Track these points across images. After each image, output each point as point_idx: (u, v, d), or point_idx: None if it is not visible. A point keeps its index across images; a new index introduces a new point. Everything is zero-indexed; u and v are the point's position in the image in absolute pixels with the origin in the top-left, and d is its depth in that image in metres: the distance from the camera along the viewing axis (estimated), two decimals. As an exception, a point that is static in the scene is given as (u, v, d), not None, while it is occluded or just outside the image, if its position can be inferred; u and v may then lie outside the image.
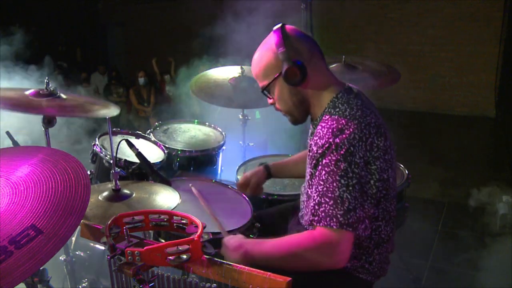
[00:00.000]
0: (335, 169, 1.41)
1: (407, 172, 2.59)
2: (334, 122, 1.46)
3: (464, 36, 6.88)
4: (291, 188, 2.43)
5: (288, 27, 1.59)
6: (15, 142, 2.19)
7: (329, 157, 1.42)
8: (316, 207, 1.44)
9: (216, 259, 1.28)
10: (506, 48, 6.39)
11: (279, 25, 1.58)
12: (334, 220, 1.40)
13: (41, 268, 1.44)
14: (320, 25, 3.60)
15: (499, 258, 3.30)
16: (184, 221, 1.38)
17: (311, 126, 1.66)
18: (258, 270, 1.21)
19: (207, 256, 1.28)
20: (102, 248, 1.85)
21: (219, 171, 2.81)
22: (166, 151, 2.54)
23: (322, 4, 3.63)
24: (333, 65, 2.85)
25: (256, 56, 1.62)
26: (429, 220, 3.78)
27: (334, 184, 1.41)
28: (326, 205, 1.42)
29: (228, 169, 2.91)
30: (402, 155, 3.05)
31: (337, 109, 1.51)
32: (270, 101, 1.66)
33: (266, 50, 1.58)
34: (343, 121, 1.45)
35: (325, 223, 1.42)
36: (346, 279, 1.60)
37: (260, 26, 3.61)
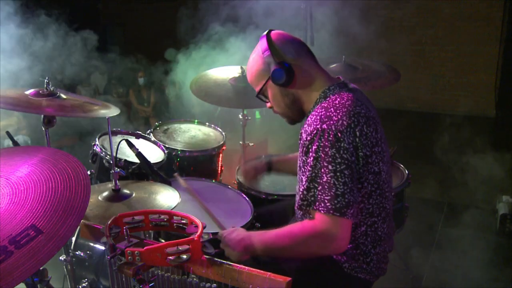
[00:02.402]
0: (323, 155, 1.43)
1: (407, 172, 2.59)
2: (323, 110, 1.49)
3: (464, 36, 6.88)
4: (291, 188, 2.42)
5: (274, 32, 1.65)
6: (15, 142, 2.19)
7: (317, 143, 1.44)
8: (305, 192, 1.47)
9: (216, 259, 1.28)
10: (506, 48, 6.38)
11: (266, 31, 1.64)
12: (322, 205, 1.43)
13: (41, 268, 1.43)
14: (320, 25, 3.61)
15: (499, 258, 3.31)
16: (184, 221, 1.38)
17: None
18: (258, 270, 1.22)
19: (207, 256, 1.28)
20: (102, 248, 1.85)
21: (219, 171, 2.81)
22: (166, 151, 2.54)
23: (321, 4, 3.63)
24: (333, 65, 2.85)
25: (248, 63, 1.69)
26: (429, 220, 3.78)
27: (322, 170, 1.43)
28: (315, 190, 1.44)
29: (228, 169, 2.91)
30: (402, 155, 3.06)
31: (328, 99, 1.54)
32: (268, 104, 1.72)
33: (256, 56, 1.65)
34: (332, 109, 1.49)
35: (314, 207, 1.45)
36: (345, 278, 1.61)
37: (260, 26, 3.61)
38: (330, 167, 1.42)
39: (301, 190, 1.50)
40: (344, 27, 3.99)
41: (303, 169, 1.51)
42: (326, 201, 1.42)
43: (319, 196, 1.43)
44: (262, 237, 1.54)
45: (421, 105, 7.33)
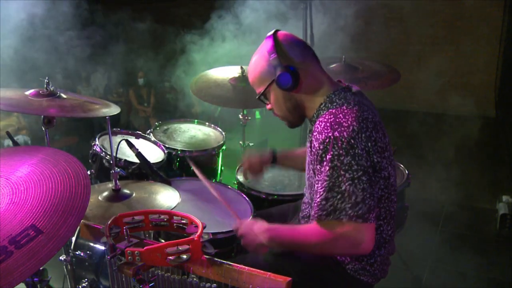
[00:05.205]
0: (339, 164, 1.41)
1: (407, 172, 2.59)
2: (332, 116, 1.47)
3: (464, 36, 6.87)
4: (291, 188, 2.43)
5: (281, 33, 1.61)
6: (15, 142, 2.19)
7: (332, 152, 1.42)
8: (324, 202, 1.44)
9: (216, 259, 1.28)
10: (506, 48, 6.38)
11: (272, 31, 1.60)
12: (344, 213, 1.41)
13: (41, 268, 1.43)
14: (320, 25, 3.61)
15: (499, 258, 3.31)
16: (184, 221, 1.38)
17: (309, 124, 1.67)
18: (258, 270, 1.21)
19: (207, 256, 1.28)
20: (102, 248, 1.85)
21: (219, 171, 2.81)
22: (166, 151, 2.54)
23: (321, 4, 3.63)
24: (333, 65, 2.85)
25: (251, 63, 1.65)
26: (429, 220, 3.78)
27: (340, 179, 1.41)
28: (334, 199, 1.43)
29: (228, 169, 2.92)
30: (402, 155, 3.06)
31: (334, 104, 1.52)
32: (268, 106, 1.69)
33: (260, 57, 1.60)
34: (341, 114, 1.47)
35: (335, 216, 1.43)
36: (347, 281, 1.60)
37: (260, 26, 3.61)
38: (347, 175, 1.40)
39: (318, 200, 1.47)
40: (344, 27, 3.99)
41: (317, 178, 1.49)
42: (347, 208, 1.41)
43: (339, 205, 1.42)
44: (289, 232, 1.54)
45: (421, 105, 7.33)
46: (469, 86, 6.98)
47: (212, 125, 3.01)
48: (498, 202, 3.85)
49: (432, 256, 3.33)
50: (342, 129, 1.43)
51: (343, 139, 1.41)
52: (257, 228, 1.55)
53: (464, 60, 7.01)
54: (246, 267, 1.24)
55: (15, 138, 2.26)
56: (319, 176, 1.47)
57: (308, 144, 1.61)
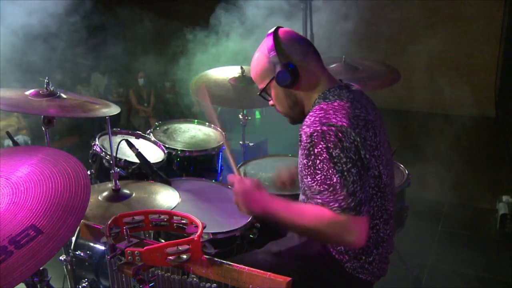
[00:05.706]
0: (328, 157, 1.41)
1: (407, 172, 2.59)
2: (322, 111, 1.48)
3: (464, 36, 6.88)
4: (291, 188, 2.42)
5: (282, 30, 1.62)
6: (15, 142, 2.19)
7: (320, 146, 1.43)
8: (316, 195, 1.45)
9: (216, 259, 1.28)
10: (506, 48, 6.39)
11: (273, 28, 1.62)
12: (336, 205, 1.41)
13: (41, 268, 1.44)
14: (320, 25, 3.61)
15: (499, 258, 3.31)
16: (184, 221, 1.38)
17: None
18: (258, 270, 1.22)
19: (207, 256, 1.28)
20: (102, 248, 1.85)
21: (219, 171, 2.81)
22: (166, 151, 2.54)
23: (321, 4, 3.63)
24: (333, 65, 2.85)
25: (253, 60, 1.67)
26: (429, 220, 3.78)
27: (330, 171, 1.42)
28: (325, 192, 1.43)
29: (228, 169, 2.91)
30: (402, 155, 3.06)
31: (327, 100, 1.53)
32: (270, 102, 1.71)
33: (261, 55, 1.63)
34: (331, 111, 1.47)
35: (328, 207, 1.43)
36: (346, 279, 1.60)
37: (260, 26, 3.61)
38: (337, 168, 1.41)
39: (309, 195, 1.48)
40: (344, 27, 3.99)
41: (306, 172, 1.49)
42: (340, 201, 1.41)
43: (331, 197, 1.42)
44: (284, 208, 1.51)
45: (421, 105, 7.33)
46: (469, 86, 6.98)
47: (212, 125, 3.01)
48: (498, 202, 3.85)
49: (432, 256, 3.33)
50: (330, 123, 1.43)
51: (330, 133, 1.42)
52: (254, 195, 1.55)
53: (464, 60, 7.01)
54: (246, 267, 1.24)
55: (15, 138, 2.26)
56: (307, 170, 1.47)
57: (299, 138, 1.62)
